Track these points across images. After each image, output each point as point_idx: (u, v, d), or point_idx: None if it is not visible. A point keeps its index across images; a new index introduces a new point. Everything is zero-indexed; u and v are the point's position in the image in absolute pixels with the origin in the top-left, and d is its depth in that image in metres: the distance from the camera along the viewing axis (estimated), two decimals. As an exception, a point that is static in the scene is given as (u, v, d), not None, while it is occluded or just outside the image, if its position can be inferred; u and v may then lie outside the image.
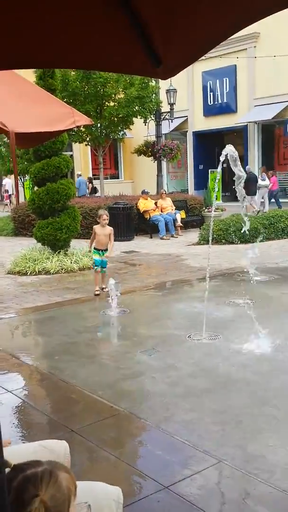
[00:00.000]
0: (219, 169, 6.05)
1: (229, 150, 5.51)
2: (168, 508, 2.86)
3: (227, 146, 5.81)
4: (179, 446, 3.50)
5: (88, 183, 22.12)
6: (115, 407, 4.08)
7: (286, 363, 4.80)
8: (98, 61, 1.86)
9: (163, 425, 3.77)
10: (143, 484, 3.06)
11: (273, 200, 18.56)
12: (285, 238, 13.04)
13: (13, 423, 3.97)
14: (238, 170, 5.47)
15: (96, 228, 7.87)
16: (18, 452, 2.09)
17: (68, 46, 1.63)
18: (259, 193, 17.90)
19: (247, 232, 5.53)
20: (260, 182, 18.03)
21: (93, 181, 22.24)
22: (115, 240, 13.94)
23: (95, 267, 7.91)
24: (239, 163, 5.44)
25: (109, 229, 7.82)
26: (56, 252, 10.48)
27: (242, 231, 5.87)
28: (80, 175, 22.54)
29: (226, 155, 5.63)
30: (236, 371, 4.72)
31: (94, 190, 21.29)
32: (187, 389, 4.38)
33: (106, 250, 7.78)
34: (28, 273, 9.78)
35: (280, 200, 20.92)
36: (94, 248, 7.91)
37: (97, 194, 20.16)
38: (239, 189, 5.67)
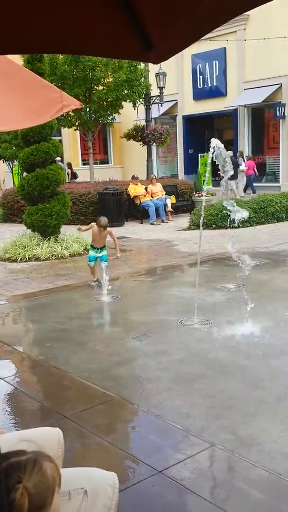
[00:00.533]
0: (209, 160, 6.07)
1: (216, 144, 5.52)
2: (162, 493, 2.89)
3: (213, 140, 5.82)
4: (171, 430, 3.52)
5: (67, 168, 21.90)
6: (107, 393, 4.10)
7: (277, 347, 4.84)
8: (88, 45, 1.82)
9: (155, 410, 3.79)
10: (137, 469, 3.09)
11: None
12: (274, 222, 13.09)
13: (6, 411, 3.98)
14: (225, 165, 5.51)
15: (94, 229, 7.52)
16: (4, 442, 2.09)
17: (57, 31, 1.60)
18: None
19: (245, 218, 5.56)
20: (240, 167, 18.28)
21: (73, 166, 21.96)
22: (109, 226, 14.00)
23: (89, 262, 7.65)
24: (227, 158, 5.46)
25: (106, 233, 7.52)
26: (47, 239, 10.44)
27: (238, 218, 5.87)
28: (60, 160, 22.36)
29: (213, 148, 5.63)
30: (228, 355, 4.75)
31: (74, 176, 21.04)
32: (179, 374, 4.40)
33: (103, 247, 7.55)
34: (18, 259, 9.74)
35: (270, 184, 20.98)
36: (91, 246, 7.65)
37: (77, 180, 19.96)
38: (224, 184, 5.78)
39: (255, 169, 19.85)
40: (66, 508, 1.63)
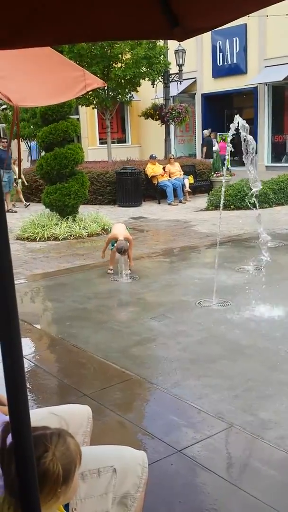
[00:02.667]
0: (229, 138, 5.97)
1: (240, 122, 5.44)
2: (181, 471, 2.94)
3: (236, 117, 5.71)
4: (190, 410, 3.56)
5: None
6: (127, 372, 4.14)
7: (296, 329, 4.83)
8: (111, 29, 1.78)
9: (174, 390, 3.83)
10: (156, 448, 3.13)
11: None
12: (294, 203, 12.95)
13: (27, 388, 4.04)
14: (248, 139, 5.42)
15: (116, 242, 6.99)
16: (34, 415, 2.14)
17: (77, 18, 1.55)
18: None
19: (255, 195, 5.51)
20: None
21: (91, 145, 21.74)
22: (123, 206, 14.02)
23: (112, 247, 7.12)
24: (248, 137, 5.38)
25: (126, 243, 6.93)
26: (65, 218, 10.47)
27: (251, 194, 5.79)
28: None
29: (237, 126, 5.55)
30: (246, 337, 4.76)
31: None
32: (198, 355, 4.43)
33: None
34: (37, 239, 9.80)
35: (283, 164, 20.68)
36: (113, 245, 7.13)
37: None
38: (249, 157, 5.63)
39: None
40: (95, 485, 1.67)
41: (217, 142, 19.51)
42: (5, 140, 13.93)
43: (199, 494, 2.76)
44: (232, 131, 5.64)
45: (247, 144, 5.35)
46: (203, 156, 18.41)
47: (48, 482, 1.41)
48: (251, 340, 4.69)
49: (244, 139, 5.55)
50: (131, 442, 3.10)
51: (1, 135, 22.23)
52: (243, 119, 5.65)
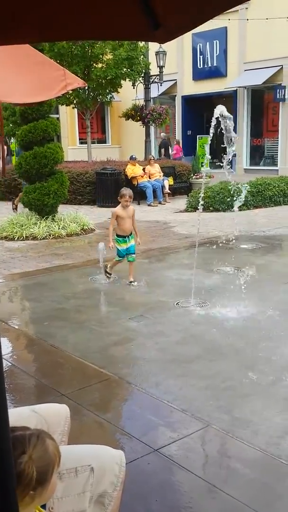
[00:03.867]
0: (210, 133, 5.96)
1: (221, 111, 5.42)
2: (158, 470, 2.95)
3: (218, 107, 5.66)
4: (168, 410, 3.58)
5: None
6: (105, 372, 4.15)
7: (273, 330, 4.89)
8: (91, 29, 1.78)
9: (152, 390, 3.85)
10: (134, 447, 3.14)
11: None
12: (272, 206, 13.09)
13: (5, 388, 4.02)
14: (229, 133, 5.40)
15: (118, 211, 6.43)
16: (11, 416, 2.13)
17: (57, 16, 1.54)
18: None
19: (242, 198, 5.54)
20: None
21: (71, 145, 21.69)
22: (102, 207, 14.00)
23: (119, 258, 6.58)
24: (231, 129, 5.36)
25: (132, 209, 6.51)
26: (44, 218, 10.42)
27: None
28: None
29: (217, 118, 5.53)
30: (224, 337, 4.81)
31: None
32: (176, 356, 4.45)
33: (131, 234, 6.56)
34: (16, 238, 9.73)
35: (268, 167, 20.96)
36: (118, 236, 6.52)
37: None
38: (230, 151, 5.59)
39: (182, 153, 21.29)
40: (72, 484, 1.68)
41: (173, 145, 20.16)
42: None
43: (175, 492, 2.78)
44: (213, 122, 5.60)
45: (227, 132, 5.32)
46: (160, 158, 18.73)
47: (20, 484, 1.42)
48: (228, 340, 4.74)
49: (225, 127, 5.49)
50: (108, 442, 3.11)
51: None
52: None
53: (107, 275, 6.68)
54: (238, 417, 3.45)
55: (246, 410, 3.53)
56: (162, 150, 19.33)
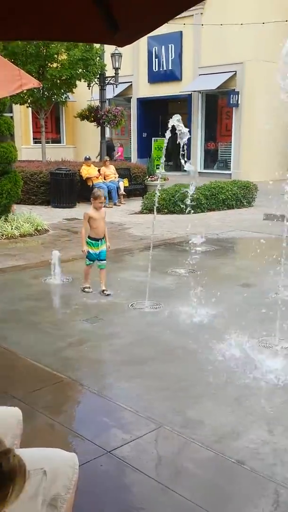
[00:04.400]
0: (166, 137, 6.02)
1: (177, 120, 5.50)
2: (110, 472, 2.96)
3: (174, 116, 5.76)
4: (121, 412, 3.59)
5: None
6: (58, 375, 4.11)
7: (224, 331, 4.97)
8: (51, 29, 1.79)
9: (106, 391, 3.85)
10: (86, 449, 3.13)
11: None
12: (225, 209, 13.32)
13: None
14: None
15: (92, 213, 6.13)
16: None
17: (16, 16, 1.55)
18: None
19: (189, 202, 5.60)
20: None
21: (24, 144, 21.55)
22: (57, 207, 13.87)
23: (90, 262, 6.24)
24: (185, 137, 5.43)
25: (104, 210, 6.31)
26: (-4, 218, 10.22)
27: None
28: None
29: (173, 125, 5.61)
30: (177, 339, 4.86)
31: None
32: (130, 357, 4.47)
33: (103, 238, 6.26)
34: None
35: (221, 171, 21.34)
36: (91, 239, 6.17)
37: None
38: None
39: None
40: (24, 488, 1.65)
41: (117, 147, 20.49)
42: None
43: (128, 494, 2.79)
44: (169, 130, 5.67)
45: (181, 136, 5.39)
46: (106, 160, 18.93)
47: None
48: (181, 341, 4.79)
49: (180, 131, 5.54)
50: (61, 444, 3.09)
51: None
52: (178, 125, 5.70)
53: (86, 290, 6.23)
54: (190, 417, 3.49)
55: (198, 410, 3.58)
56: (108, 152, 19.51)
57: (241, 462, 2.98)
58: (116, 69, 17.56)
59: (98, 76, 17.13)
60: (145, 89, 23.75)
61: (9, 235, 9.71)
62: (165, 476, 2.93)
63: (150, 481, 2.84)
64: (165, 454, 3.16)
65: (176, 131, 5.50)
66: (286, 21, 16.44)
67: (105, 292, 6.14)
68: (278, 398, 3.75)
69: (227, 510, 2.68)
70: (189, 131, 18.63)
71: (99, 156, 16.49)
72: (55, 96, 16.68)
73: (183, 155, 5.15)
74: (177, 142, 5.48)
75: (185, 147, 5.36)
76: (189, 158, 22.32)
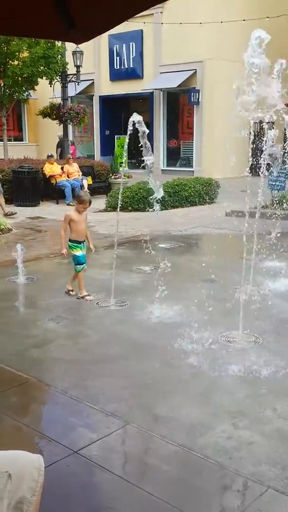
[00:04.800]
0: (127, 141, 6.03)
1: (137, 119, 5.51)
2: (78, 472, 2.94)
3: (134, 114, 5.77)
4: (87, 411, 3.57)
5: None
6: (23, 376, 4.06)
7: (190, 327, 5.00)
8: (7, 24, 1.76)
9: (72, 391, 3.82)
10: (53, 450, 3.10)
11: None
12: (188, 206, 13.40)
13: None
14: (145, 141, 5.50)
15: (73, 215, 5.84)
16: None
17: None
18: None
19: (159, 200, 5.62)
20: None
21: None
22: (20, 206, 13.68)
23: (81, 266, 5.93)
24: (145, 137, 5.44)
25: (85, 213, 6.02)
26: None
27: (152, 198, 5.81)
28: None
29: (134, 124, 5.62)
30: (144, 336, 4.87)
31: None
32: (96, 356, 4.45)
33: (84, 241, 6.03)
34: None
35: (184, 169, 21.47)
36: (73, 241, 5.90)
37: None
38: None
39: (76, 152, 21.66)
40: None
41: (69, 145, 20.48)
42: None
43: (95, 493, 2.78)
44: (130, 127, 5.67)
45: (144, 143, 5.41)
46: (58, 157, 18.75)
47: None
48: (148, 338, 4.80)
49: (144, 132, 5.54)
50: (27, 446, 3.04)
51: None
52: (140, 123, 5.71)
53: (87, 298, 5.90)
54: (158, 414, 3.51)
55: (165, 407, 3.59)
56: (59, 150, 19.27)
57: (208, 457, 3.01)
58: (78, 66, 17.42)
59: (60, 73, 16.97)
60: (107, 87, 23.67)
61: (-29, 235, 9.52)
62: (133, 474, 2.93)
63: (118, 480, 2.84)
64: (133, 452, 3.17)
65: (139, 130, 5.50)
66: (244, 20, 16.63)
67: (70, 291, 6.06)
68: (243, 392, 3.80)
69: (195, 505, 2.70)
70: (151, 129, 18.66)
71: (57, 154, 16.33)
72: (17, 94, 16.44)
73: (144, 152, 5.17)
74: (140, 144, 5.49)
75: (147, 144, 5.37)
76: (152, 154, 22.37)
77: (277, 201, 10.55)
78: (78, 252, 5.89)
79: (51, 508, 2.53)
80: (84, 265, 5.95)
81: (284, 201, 10.93)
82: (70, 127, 20.11)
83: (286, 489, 2.73)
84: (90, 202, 5.86)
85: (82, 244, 5.97)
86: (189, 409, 3.56)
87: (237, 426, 3.35)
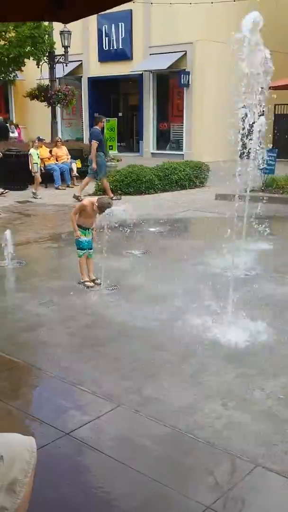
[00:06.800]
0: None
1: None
2: (70, 454, 2.97)
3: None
4: (78, 393, 3.60)
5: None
6: (13, 359, 4.08)
7: (180, 310, 5.04)
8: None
9: (62, 374, 3.85)
10: (44, 432, 3.13)
11: None
12: (178, 190, 13.37)
13: None
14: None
15: (88, 206, 5.78)
16: None
17: None
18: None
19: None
20: (10, 134, 19.82)
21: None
22: (8, 189, 13.55)
23: (83, 251, 5.92)
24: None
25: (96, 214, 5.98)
26: None
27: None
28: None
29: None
30: (133, 319, 4.89)
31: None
32: (86, 339, 4.48)
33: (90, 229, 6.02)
34: None
35: (174, 152, 21.37)
36: (78, 226, 5.91)
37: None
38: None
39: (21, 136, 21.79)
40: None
41: (15, 129, 20.40)
42: None
43: (87, 474, 2.82)
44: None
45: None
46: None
47: None
48: (137, 322, 4.83)
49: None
50: (19, 429, 3.07)
51: None
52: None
53: (87, 284, 5.84)
54: (147, 395, 3.55)
55: (155, 388, 3.64)
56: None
57: (197, 436, 3.06)
58: (66, 47, 17.15)
59: (47, 54, 16.73)
60: (95, 68, 23.38)
61: None
62: (124, 454, 2.97)
63: (109, 461, 2.88)
64: (124, 433, 3.20)
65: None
66: (234, 0, 16.44)
67: (96, 281, 5.90)
68: (231, 373, 3.85)
69: (184, 482, 2.75)
70: (141, 112, 18.65)
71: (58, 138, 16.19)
72: (3, 75, 16.22)
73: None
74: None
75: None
76: (141, 139, 22.25)
77: (267, 184, 10.58)
78: (83, 237, 5.89)
79: (44, 490, 2.57)
80: (85, 250, 5.91)
81: (273, 184, 10.96)
82: (58, 109, 19.87)
83: (273, 466, 2.80)
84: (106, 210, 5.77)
85: (87, 230, 5.94)
86: (178, 390, 3.61)
87: (226, 406, 3.41)
